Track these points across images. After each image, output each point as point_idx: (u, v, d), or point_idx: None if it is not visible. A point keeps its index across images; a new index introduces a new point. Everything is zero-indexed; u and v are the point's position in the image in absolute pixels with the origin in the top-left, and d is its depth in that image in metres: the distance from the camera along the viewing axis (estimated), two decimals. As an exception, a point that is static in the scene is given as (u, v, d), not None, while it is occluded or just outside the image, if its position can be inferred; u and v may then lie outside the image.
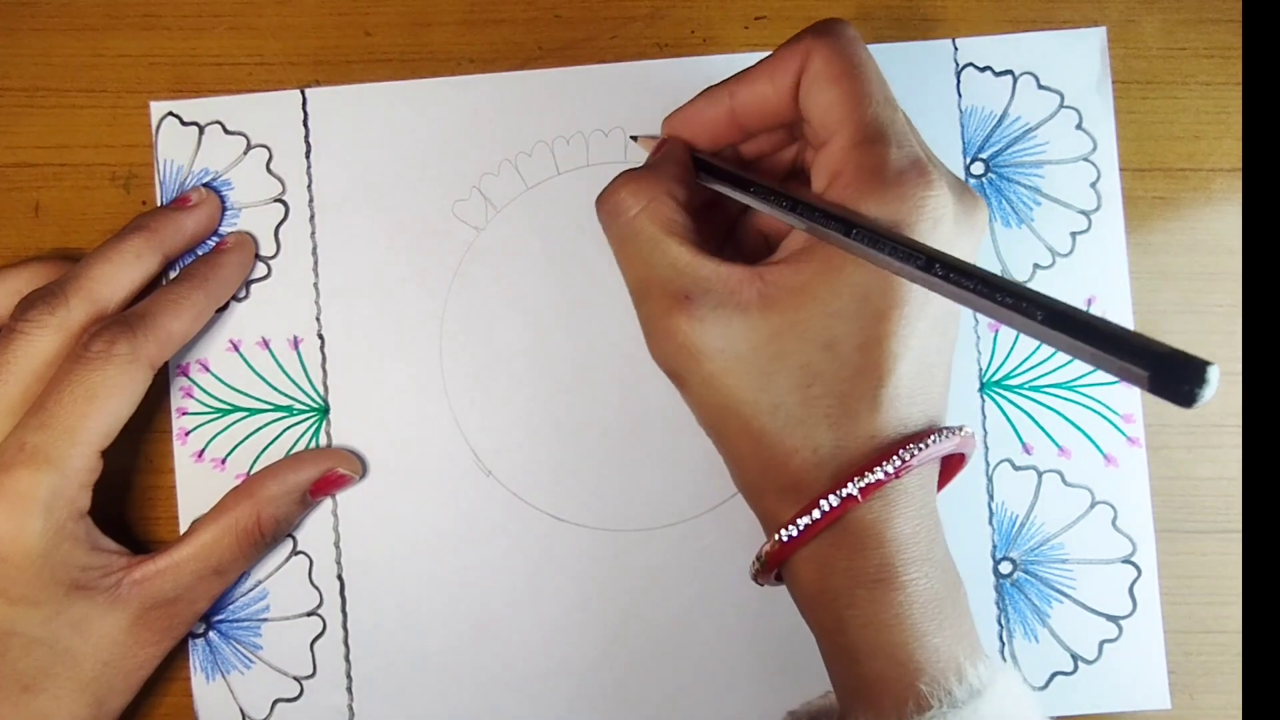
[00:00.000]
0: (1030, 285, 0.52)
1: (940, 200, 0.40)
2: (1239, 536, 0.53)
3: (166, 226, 0.51)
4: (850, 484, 0.39)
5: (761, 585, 0.44)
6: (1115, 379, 0.52)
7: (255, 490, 0.50)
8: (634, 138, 0.51)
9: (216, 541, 0.49)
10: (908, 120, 0.43)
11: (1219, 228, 0.53)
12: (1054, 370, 0.53)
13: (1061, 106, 0.53)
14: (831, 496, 0.40)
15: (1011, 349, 0.53)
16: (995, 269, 0.53)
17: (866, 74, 0.42)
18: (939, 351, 0.43)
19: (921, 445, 0.40)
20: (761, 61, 0.44)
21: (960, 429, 0.42)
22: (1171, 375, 0.31)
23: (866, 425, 0.41)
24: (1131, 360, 0.31)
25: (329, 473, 0.51)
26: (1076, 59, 0.53)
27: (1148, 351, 0.31)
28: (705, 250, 0.42)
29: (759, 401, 0.41)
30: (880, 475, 0.40)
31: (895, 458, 0.40)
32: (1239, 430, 0.53)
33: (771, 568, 0.42)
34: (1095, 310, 0.51)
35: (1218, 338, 0.53)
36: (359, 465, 0.52)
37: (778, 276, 0.41)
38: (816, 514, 0.40)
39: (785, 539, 0.41)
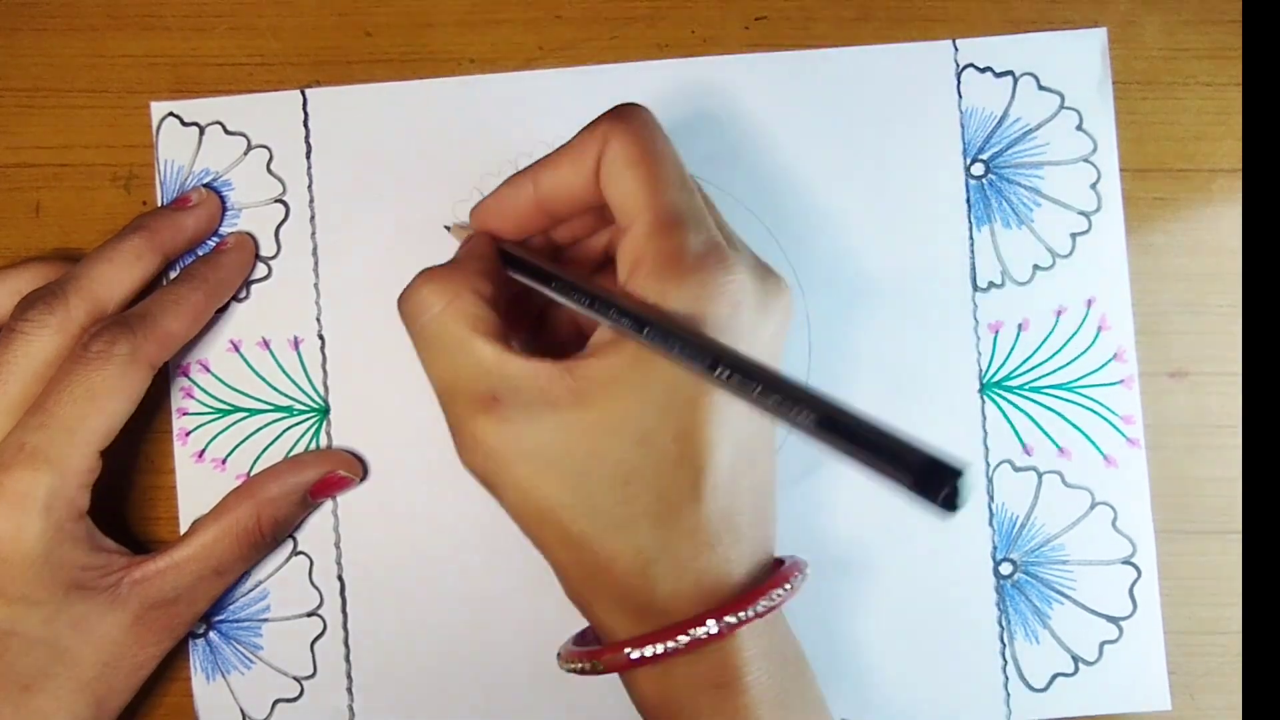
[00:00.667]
0: (1029, 288, 0.52)
1: (738, 284, 0.40)
2: (1239, 537, 0.53)
3: (167, 227, 0.51)
4: (721, 619, 0.39)
5: (569, 672, 0.43)
6: (1114, 381, 0.52)
7: (256, 491, 0.50)
8: (447, 228, 0.50)
9: (217, 542, 0.49)
10: (707, 200, 0.43)
11: (1219, 228, 0.53)
12: (1054, 371, 0.53)
13: (1062, 107, 0.53)
14: (700, 629, 0.39)
15: (1011, 350, 0.53)
16: (995, 270, 0.53)
17: (662, 159, 0.42)
18: (759, 435, 0.42)
19: (791, 579, 0.40)
20: (563, 146, 0.44)
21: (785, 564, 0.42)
22: (932, 481, 0.32)
23: (689, 519, 0.40)
24: (894, 469, 0.32)
25: (330, 474, 0.51)
26: (1077, 60, 0.53)
27: (907, 460, 0.32)
28: (512, 346, 0.41)
29: (575, 505, 0.40)
30: (753, 613, 0.39)
31: (770, 596, 0.39)
32: (1239, 431, 0.53)
33: (608, 672, 0.41)
34: (1094, 311, 0.52)
35: (1218, 338, 0.53)
36: (359, 467, 0.52)
37: (588, 370, 0.40)
38: (683, 640, 0.39)
39: (637, 658, 0.39)
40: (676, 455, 0.39)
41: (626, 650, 0.39)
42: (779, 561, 0.43)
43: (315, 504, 0.52)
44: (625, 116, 0.42)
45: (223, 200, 0.53)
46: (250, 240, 0.53)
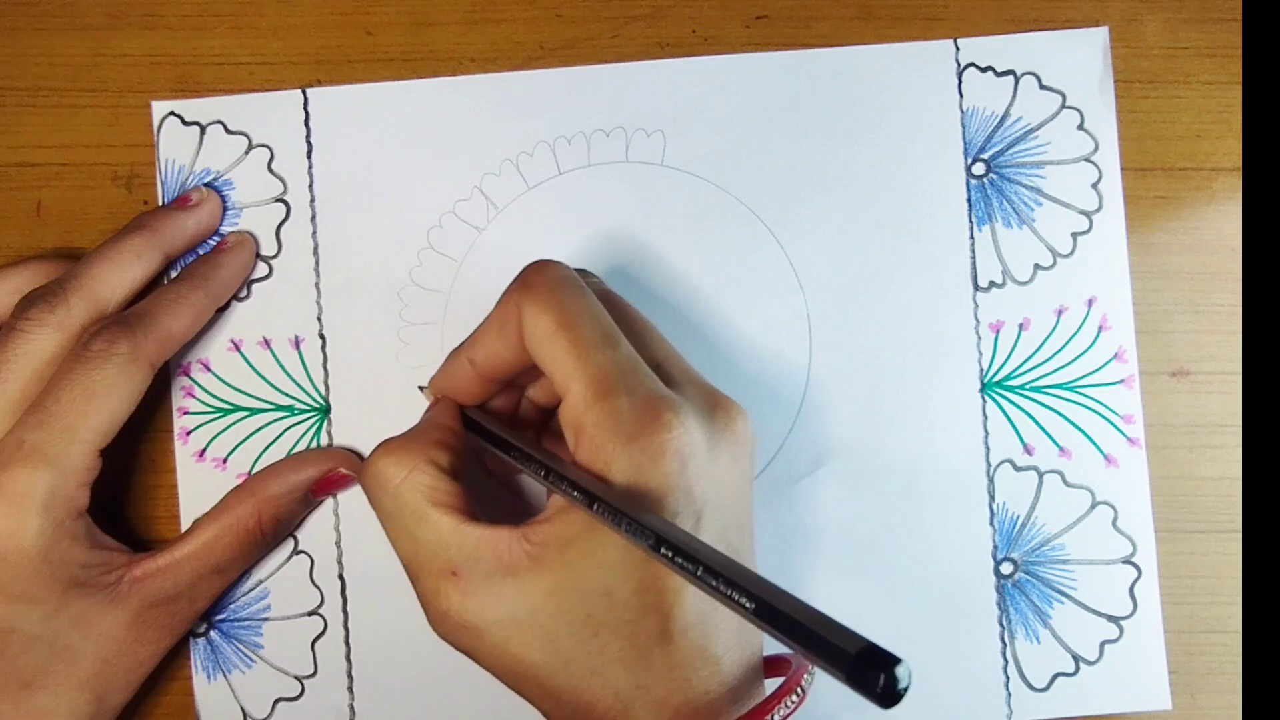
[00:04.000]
0: (1030, 287, 0.52)
1: (680, 438, 0.40)
2: (1239, 537, 0.53)
3: (167, 226, 0.51)
4: None
5: None
6: (1115, 381, 0.52)
7: (257, 489, 0.50)
8: (421, 388, 0.50)
9: (217, 540, 0.49)
10: (631, 347, 0.43)
11: (1220, 227, 0.53)
12: (1055, 371, 0.53)
13: (1063, 107, 0.53)
14: None
15: (1012, 350, 0.53)
16: (996, 270, 0.53)
17: (578, 321, 0.42)
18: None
19: (787, 695, 0.40)
20: (489, 319, 0.44)
21: (797, 677, 0.41)
22: (867, 672, 0.31)
23: (660, 660, 0.40)
24: (828, 660, 0.32)
25: (331, 472, 0.51)
26: (1079, 59, 0.53)
27: (842, 652, 0.32)
28: (470, 515, 0.42)
29: (549, 662, 0.40)
30: None
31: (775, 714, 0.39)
32: (1239, 430, 0.53)
33: None
34: (1095, 311, 0.52)
35: (1219, 337, 0.53)
36: (360, 465, 0.52)
37: (544, 535, 0.40)
38: None
39: None
40: (640, 605, 0.39)
41: None
42: (770, 661, 0.43)
43: (316, 502, 0.52)
44: (531, 284, 0.43)
45: (224, 199, 0.53)
46: (251, 239, 0.53)
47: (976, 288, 0.53)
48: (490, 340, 0.44)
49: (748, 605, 0.35)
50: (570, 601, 0.40)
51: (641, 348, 0.43)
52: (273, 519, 0.50)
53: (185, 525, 0.52)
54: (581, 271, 0.47)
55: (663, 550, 0.37)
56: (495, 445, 0.45)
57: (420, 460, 0.42)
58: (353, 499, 0.53)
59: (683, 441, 0.40)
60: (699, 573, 0.36)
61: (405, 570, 0.43)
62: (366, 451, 0.52)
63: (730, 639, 0.41)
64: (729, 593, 0.35)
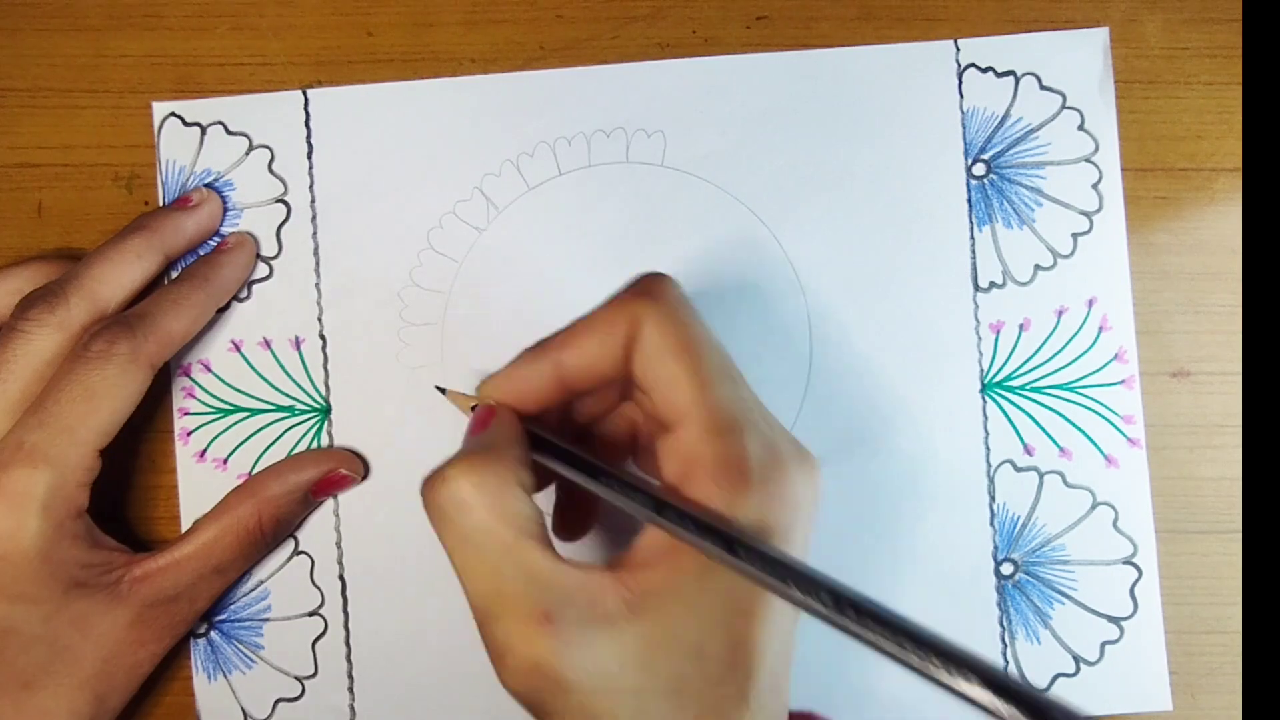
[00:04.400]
0: (1031, 288, 0.52)
1: (800, 492, 0.39)
2: (1239, 537, 0.53)
3: (167, 226, 0.51)
4: None
5: None
6: (1116, 381, 0.52)
7: (257, 490, 0.50)
8: (442, 390, 0.47)
9: (217, 540, 0.49)
10: (743, 383, 0.41)
11: (1221, 228, 0.53)
12: (1055, 371, 0.53)
13: (1064, 107, 0.53)
14: None
15: (1013, 350, 0.53)
16: (996, 270, 0.53)
17: (704, 348, 0.39)
18: (791, 635, 0.40)
19: None
20: (586, 321, 0.41)
21: None
22: None
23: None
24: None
25: (331, 473, 0.51)
26: (1079, 60, 0.53)
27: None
28: (556, 551, 0.38)
29: None
30: None
31: None
32: (1240, 431, 0.53)
33: None
34: (1096, 311, 0.52)
35: (1219, 338, 0.53)
36: (360, 466, 0.52)
37: (644, 583, 0.37)
38: None
39: None
40: (729, 663, 0.37)
41: None
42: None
43: (316, 503, 0.52)
44: (657, 295, 0.40)
45: (224, 200, 0.53)
46: (251, 240, 0.53)
47: (977, 288, 0.53)
48: (589, 345, 0.41)
49: (904, 648, 0.34)
50: (663, 656, 0.37)
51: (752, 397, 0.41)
52: (273, 519, 0.50)
53: (186, 526, 0.52)
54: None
55: (822, 597, 0.35)
56: (577, 468, 0.41)
57: (508, 484, 0.38)
58: (354, 500, 0.53)
59: (801, 495, 0.39)
60: (848, 616, 0.34)
61: (474, 609, 0.39)
62: (367, 452, 0.53)
63: (782, 696, 0.40)
64: (879, 635, 0.34)
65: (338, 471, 0.51)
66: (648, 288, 0.41)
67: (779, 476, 0.38)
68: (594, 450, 0.46)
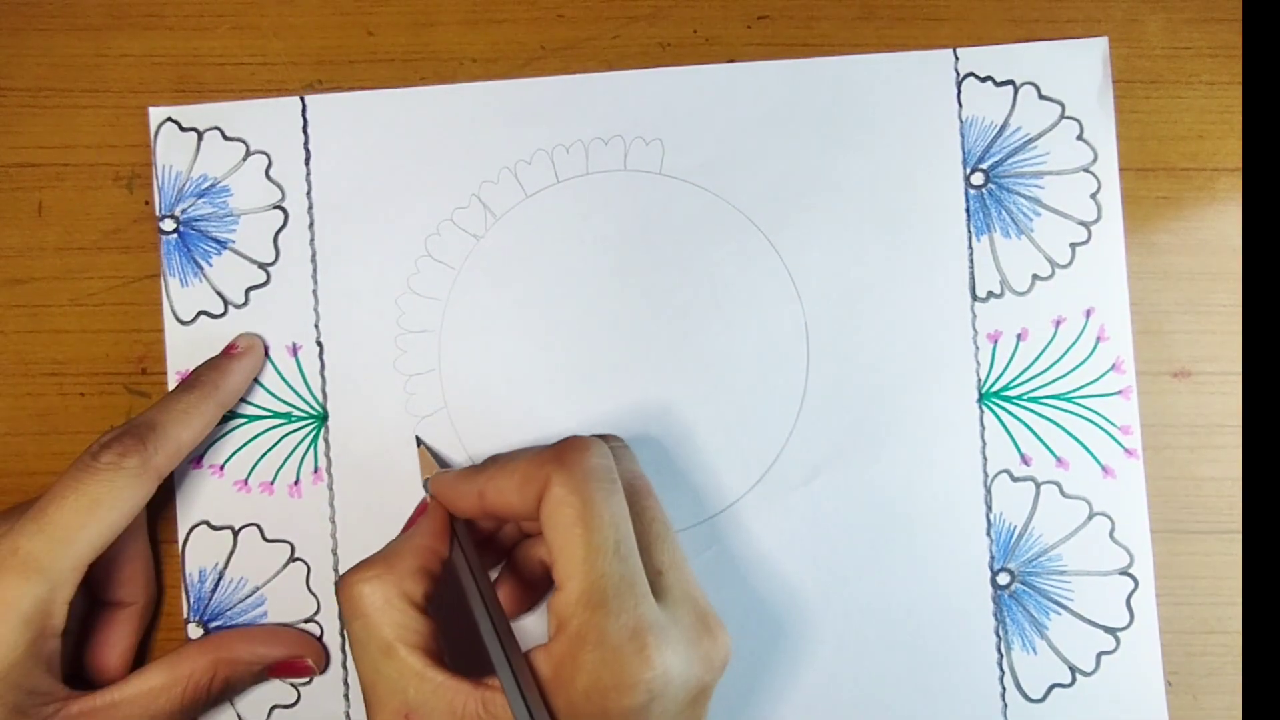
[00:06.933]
0: (1028, 298, 0.53)
1: (656, 681, 0.40)
2: (1239, 537, 0.53)
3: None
4: None
5: None
6: (1113, 392, 0.52)
7: (221, 648, 0.50)
8: (420, 442, 0.52)
9: (165, 689, 0.48)
10: (639, 560, 0.42)
11: (1222, 227, 0.53)
12: (1052, 382, 0.52)
13: (1062, 117, 0.53)
14: None
15: (1010, 360, 0.52)
16: (994, 280, 0.53)
17: (600, 521, 0.41)
18: None
19: None
20: (512, 465, 0.44)
21: None
22: None
23: None
24: None
25: (299, 659, 0.51)
26: (1078, 69, 0.53)
27: None
28: (437, 653, 0.42)
29: None
30: None
31: None
32: (1240, 431, 0.53)
33: None
34: (1093, 321, 0.52)
35: (1220, 338, 0.53)
36: (325, 662, 0.52)
37: (499, 709, 0.40)
38: None
39: None
40: None
41: None
42: None
43: (264, 678, 0.52)
44: (570, 464, 0.42)
45: (220, 206, 0.53)
46: (260, 343, 0.53)
47: (975, 298, 0.53)
48: (509, 488, 0.44)
49: None
50: None
51: (650, 550, 0.43)
52: (225, 681, 0.50)
53: (182, 530, 0.53)
54: (615, 446, 0.47)
55: None
56: (470, 577, 0.45)
57: (395, 594, 0.43)
58: (349, 505, 0.53)
59: (656, 684, 0.40)
60: None
61: (363, 696, 0.43)
62: (363, 459, 0.53)
63: None
64: None
65: (304, 660, 0.51)
66: (563, 454, 0.43)
67: (634, 664, 0.39)
68: (515, 563, 0.50)
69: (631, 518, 0.43)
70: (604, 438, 0.46)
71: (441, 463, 0.52)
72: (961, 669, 0.52)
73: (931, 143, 0.53)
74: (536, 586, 0.50)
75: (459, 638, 0.45)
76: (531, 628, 0.52)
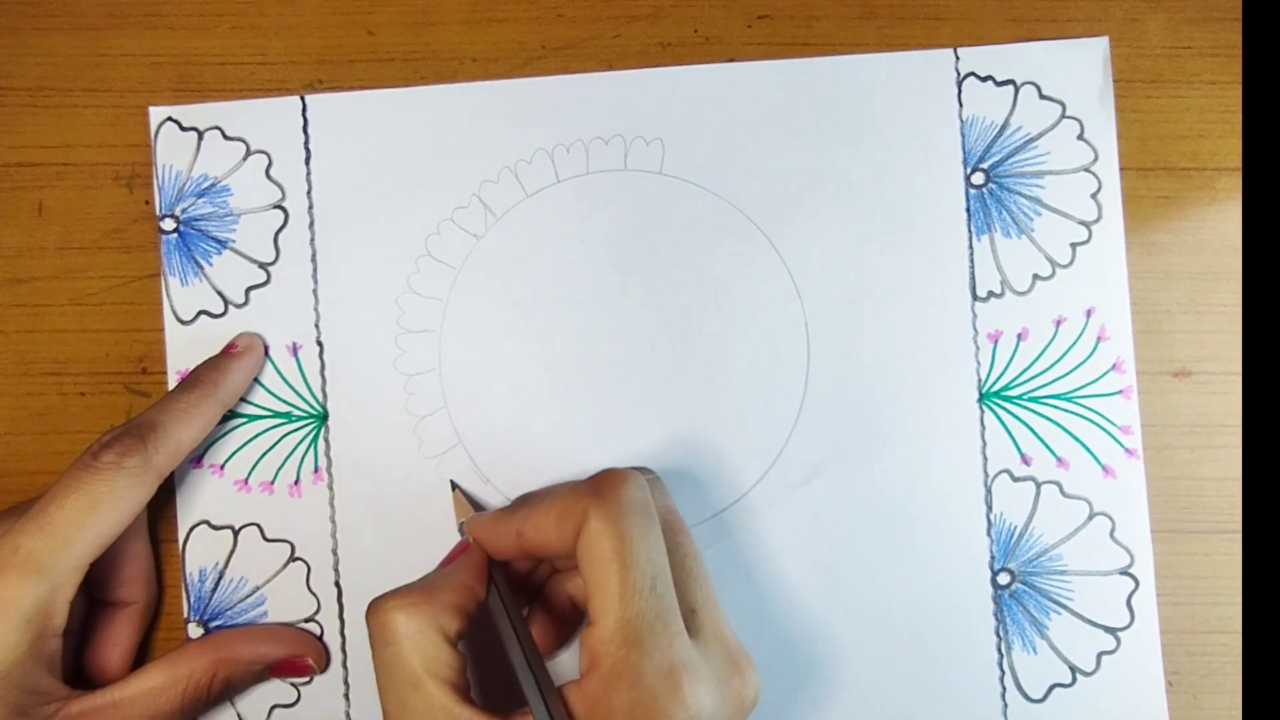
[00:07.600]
0: (1029, 298, 0.52)
1: (703, 702, 0.40)
2: (1240, 537, 0.53)
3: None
4: None
5: None
6: (1113, 392, 0.52)
7: (222, 648, 0.50)
8: (455, 486, 0.52)
9: (164, 689, 0.48)
10: (675, 597, 0.43)
11: (1222, 227, 0.53)
12: (1053, 382, 0.52)
13: (1063, 117, 0.53)
14: None
15: (1010, 360, 0.52)
16: (995, 280, 0.53)
17: (637, 558, 0.42)
18: None
19: None
20: (549, 502, 0.44)
21: None
22: None
23: None
24: None
25: (300, 658, 0.51)
26: (1078, 69, 0.53)
27: None
28: (465, 688, 0.42)
29: None
30: None
31: None
32: (1240, 431, 0.53)
33: None
34: (1094, 321, 0.52)
35: (1220, 338, 0.53)
36: (325, 661, 0.52)
37: None
38: None
39: None
40: None
41: None
42: None
43: (265, 678, 0.52)
44: (608, 498, 0.43)
45: (220, 206, 0.53)
46: (259, 342, 0.53)
47: (975, 298, 0.53)
48: (546, 525, 0.44)
49: None
50: None
51: (684, 587, 0.44)
52: (225, 681, 0.50)
53: (183, 530, 0.53)
54: (649, 479, 0.47)
55: None
56: (505, 617, 0.45)
57: (430, 626, 0.42)
58: (350, 506, 0.53)
59: (707, 706, 0.40)
60: None
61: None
62: (363, 458, 0.53)
63: None
64: None
65: (304, 660, 0.51)
66: (602, 488, 0.43)
67: (666, 705, 0.40)
68: (545, 599, 0.51)
69: (666, 553, 0.43)
70: (637, 470, 0.46)
71: (476, 506, 0.52)
72: (962, 669, 0.52)
73: (932, 142, 0.53)
74: (567, 623, 0.50)
75: (484, 676, 0.45)
76: (560, 662, 0.52)
